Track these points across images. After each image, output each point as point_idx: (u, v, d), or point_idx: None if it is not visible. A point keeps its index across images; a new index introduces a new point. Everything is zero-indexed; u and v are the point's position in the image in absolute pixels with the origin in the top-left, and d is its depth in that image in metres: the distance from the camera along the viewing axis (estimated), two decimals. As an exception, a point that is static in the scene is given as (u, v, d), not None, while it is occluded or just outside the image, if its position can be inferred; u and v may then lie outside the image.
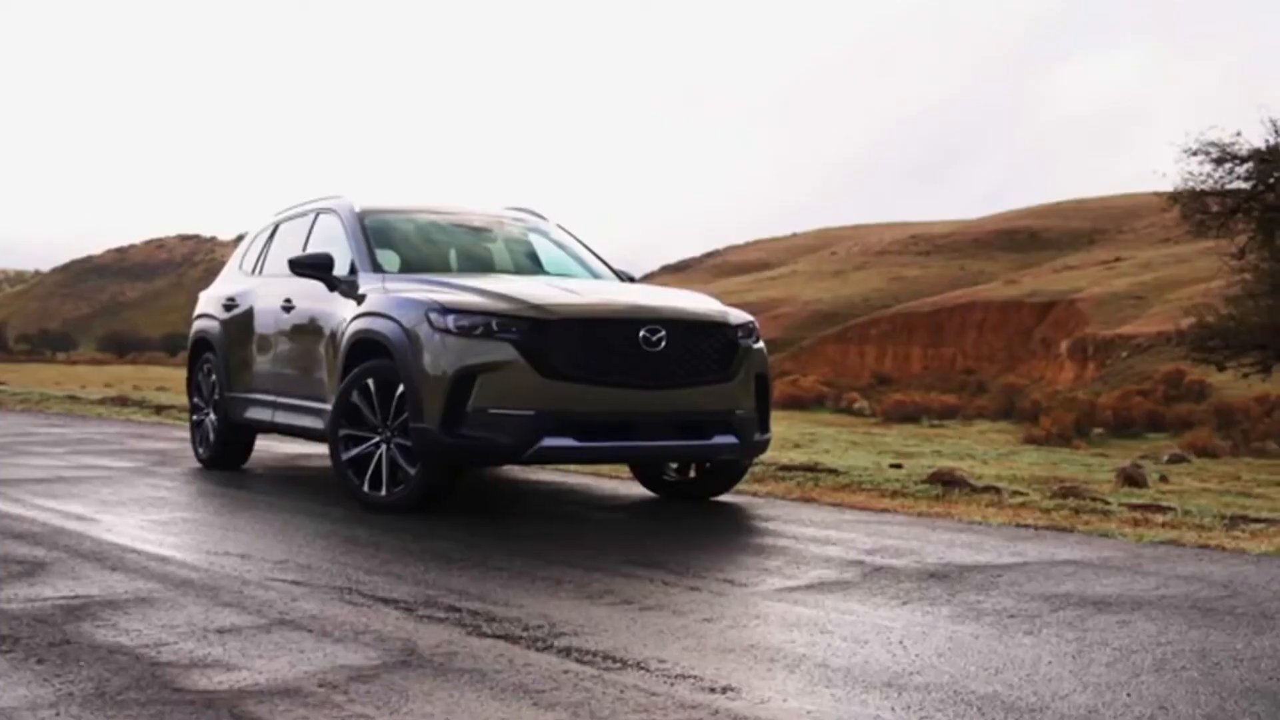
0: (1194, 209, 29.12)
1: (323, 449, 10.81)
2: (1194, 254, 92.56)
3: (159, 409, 19.98)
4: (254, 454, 11.04)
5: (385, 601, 5.12)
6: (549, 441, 7.51)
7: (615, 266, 9.87)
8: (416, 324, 7.71)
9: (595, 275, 9.52)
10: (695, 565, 6.18)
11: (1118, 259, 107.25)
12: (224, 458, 10.60)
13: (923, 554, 6.58)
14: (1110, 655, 4.41)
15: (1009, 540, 7.16)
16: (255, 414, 9.94)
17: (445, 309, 7.65)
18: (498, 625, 4.72)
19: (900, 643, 4.55)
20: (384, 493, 7.89)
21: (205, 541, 6.66)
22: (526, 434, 7.47)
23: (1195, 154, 28.82)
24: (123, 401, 22.02)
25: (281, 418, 9.52)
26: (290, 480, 10.05)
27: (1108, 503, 8.89)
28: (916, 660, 4.29)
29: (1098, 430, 49.54)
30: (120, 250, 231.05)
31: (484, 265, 9.44)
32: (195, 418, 11.03)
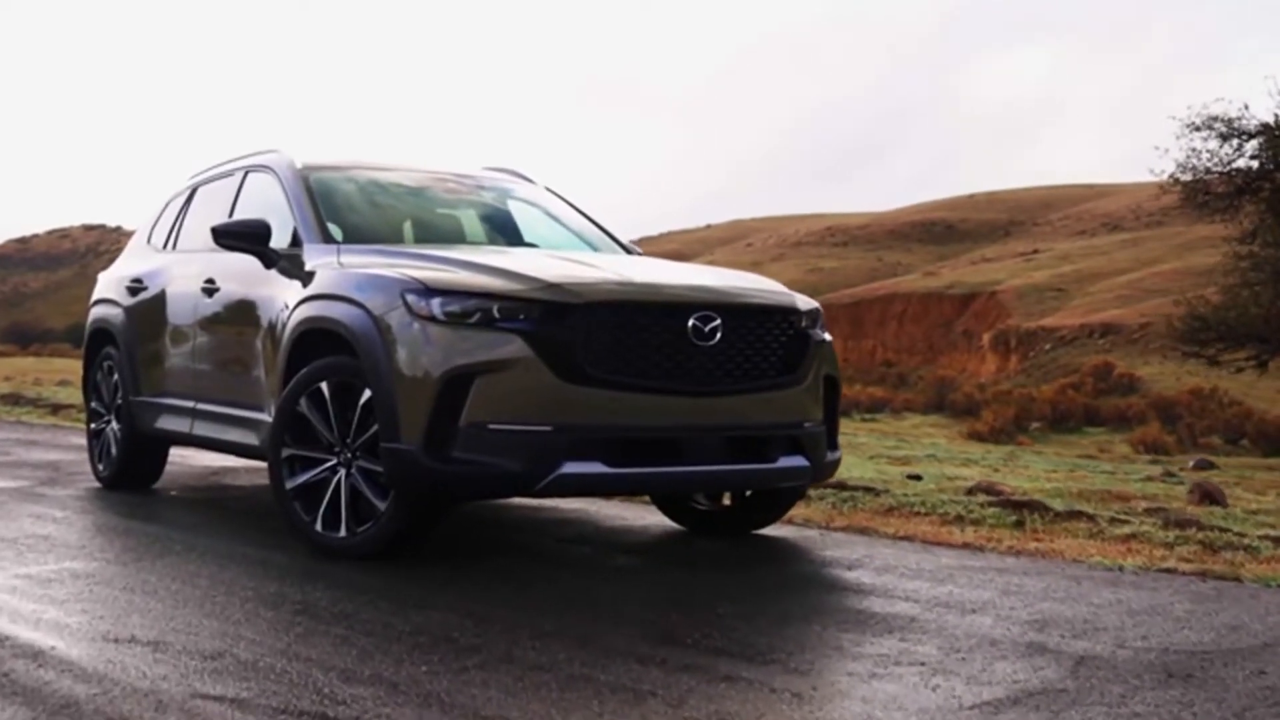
0: (1196, 190, 27.28)
1: (255, 463, 8.83)
2: (1111, 246, 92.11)
3: (55, 408, 17.87)
4: (167, 468, 8.98)
5: (388, 745, 3.22)
6: (571, 467, 5.53)
7: (622, 240, 7.99)
8: (388, 309, 5.74)
9: (599, 251, 7.58)
10: (815, 656, 4.30)
11: (1035, 251, 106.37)
12: (129, 476, 8.56)
13: (1109, 627, 4.76)
14: None
15: (1193, 601, 5.34)
16: (169, 424, 7.91)
17: (429, 289, 5.67)
18: (592, 806, 2.84)
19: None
20: (344, 533, 5.91)
21: (102, 616, 4.69)
22: (541, 457, 5.49)
23: (1199, 129, 27.03)
24: (16, 400, 19.81)
25: (203, 429, 7.50)
26: (214, 508, 8.01)
27: (1241, 535, 7.16)
28: None
29: (1034, 425, 48.24)
30: (22, 240, 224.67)
31: (459, 236, 7.53)
32: (94, 426, 8.97)
